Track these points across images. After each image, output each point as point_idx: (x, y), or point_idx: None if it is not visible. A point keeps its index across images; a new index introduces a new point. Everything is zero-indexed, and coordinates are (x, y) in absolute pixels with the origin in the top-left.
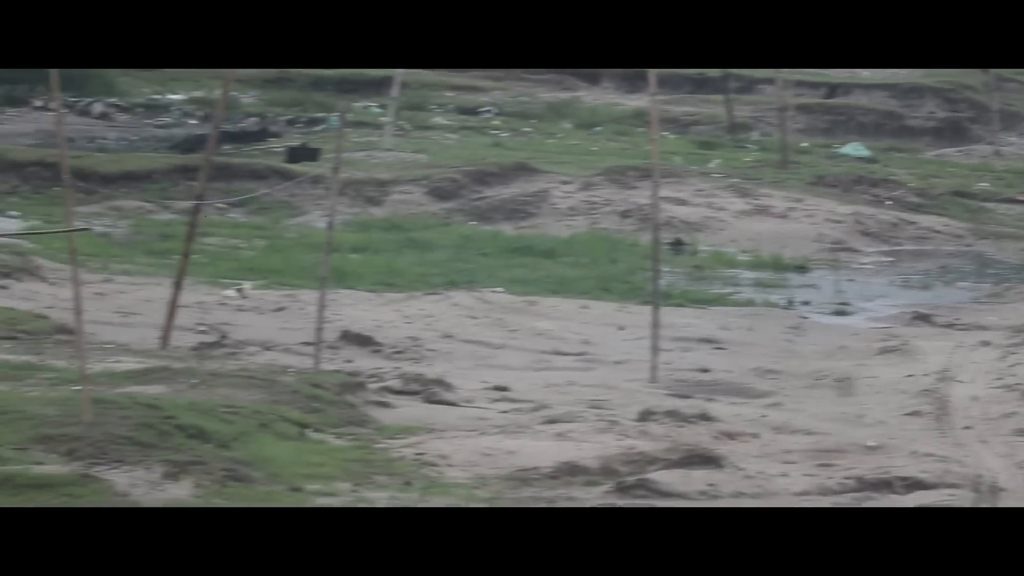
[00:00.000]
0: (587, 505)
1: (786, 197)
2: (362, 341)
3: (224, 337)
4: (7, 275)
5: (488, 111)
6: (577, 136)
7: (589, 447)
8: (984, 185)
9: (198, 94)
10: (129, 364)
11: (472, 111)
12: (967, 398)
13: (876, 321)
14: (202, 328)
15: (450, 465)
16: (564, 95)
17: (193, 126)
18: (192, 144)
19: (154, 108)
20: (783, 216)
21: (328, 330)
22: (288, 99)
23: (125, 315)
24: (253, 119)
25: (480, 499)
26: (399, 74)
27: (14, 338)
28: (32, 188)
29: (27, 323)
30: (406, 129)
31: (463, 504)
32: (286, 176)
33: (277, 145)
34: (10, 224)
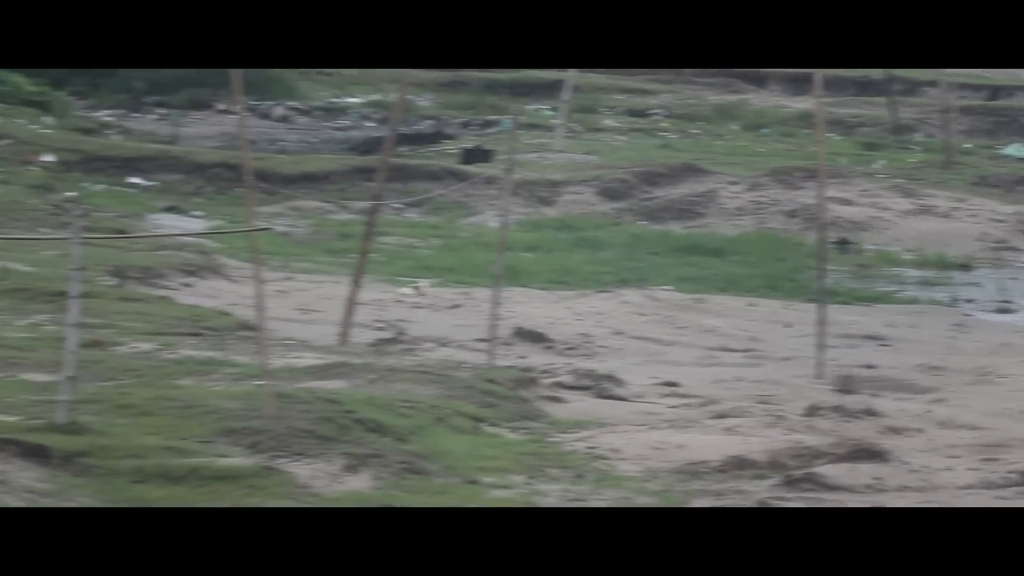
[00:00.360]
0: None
1: (949, 197)
2: (535, 338)
3: (401, 334)
4: (192, 273)
5: (657, 113)
6: (744, 138)
7: (757, 441)
8: None
9: (376, 97)
10: (309, 360)
11: (642, 113)
12: None
13: None
14: (380, 325)
15: (621, 459)
16: (732, 98)
17: (371, 128)
18: (370, 146)
19: (333, 111)
20: (947, 216)
21: (502, 327)
22: (463, 102)
23: (305, 312)
24: (429, 122)
25: (650, 492)
26: (571, 77)
27: (199, 334)
28: (216, 189)
29: (211, 320)
30: (577, 131)
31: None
32: (460, 177)
33: (452, 147)
34: (195, 224)
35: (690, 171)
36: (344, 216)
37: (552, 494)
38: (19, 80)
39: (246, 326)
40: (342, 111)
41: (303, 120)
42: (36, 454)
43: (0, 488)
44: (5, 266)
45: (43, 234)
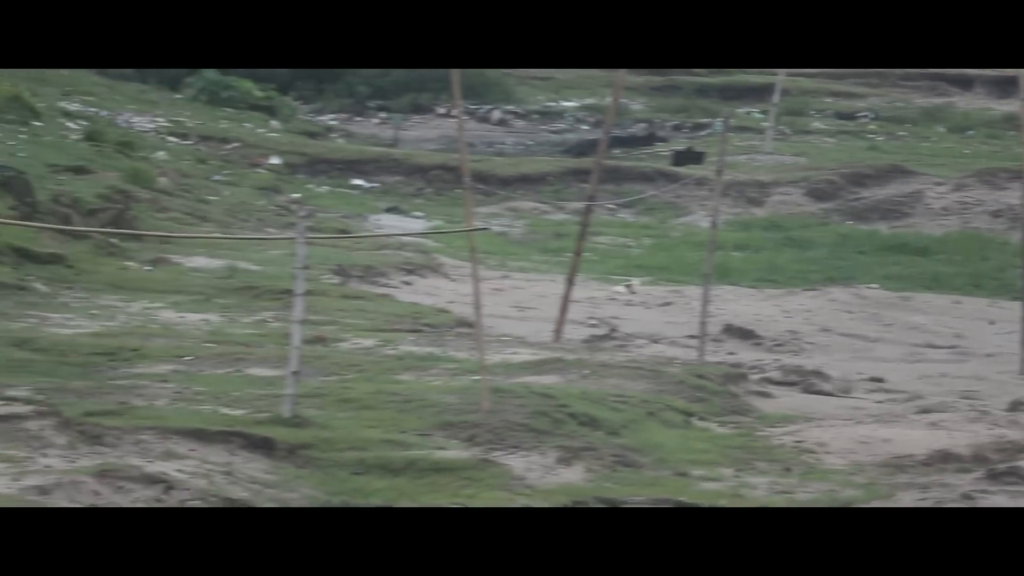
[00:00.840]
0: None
1: None
2: (744, 334)
3: (614, 330)
4: (412, 272)
5: (865, 116)
6: (950, 140)
7: (961, 436)
8: None
9: (590, 101)
10: (525, 356)
11: (850, 116)
12: None
13: None
14: (593, 322)
15: (828, 452)
16: (938, 100)
17: (585, 131)
18: (584, 148)
19: (548, 114)
20: None
21: (712, 324)
22: (674, 105)
23: (521, 309)
24: (641, 124)
25: (856, 485)
26: (780, 81)
27: (418, 331)
28: (435, 190)
29: (430, 317)
30: (786, 133)
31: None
32: (672, 178)
33: (664, 149)
34: (415, 224)
35: (897, 172)
36: (559, 216)
37: (760, 487)
38: (247, 85)
39: (464, 323)
40: (558, 115)
41: (520, 123)
42: (261, 446)
43: (226, 479)
44: (233, 265)
45: (269, 234)
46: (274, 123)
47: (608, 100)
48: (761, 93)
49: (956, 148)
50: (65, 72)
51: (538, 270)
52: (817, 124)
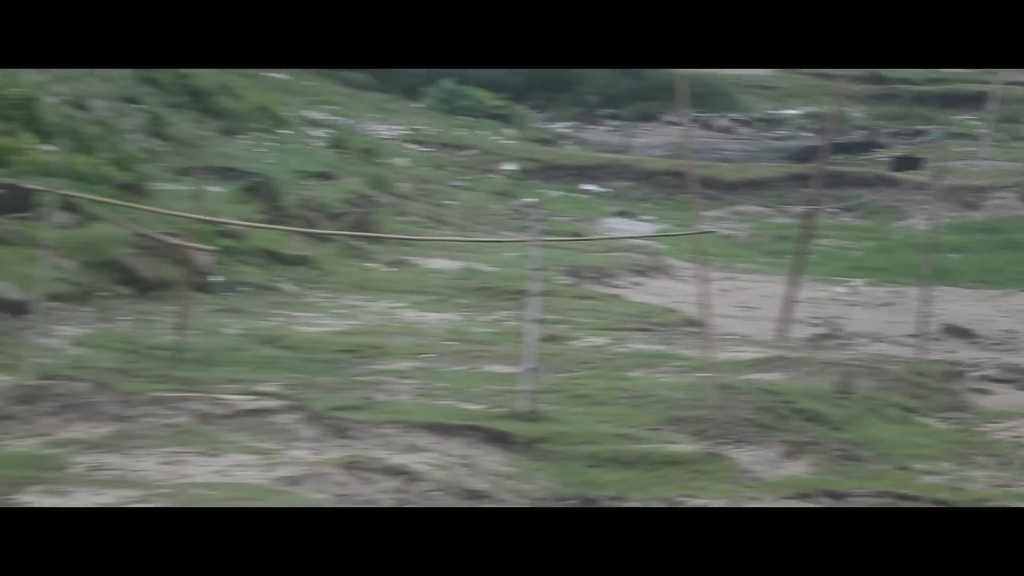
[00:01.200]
0: None
1: None
2: (962, 333)
3: (836, 330)
4: (641, 273)
5: None
6: None
7: None
8: None
9: (812, 109)
10: (750, 353)
11: None
12: None
13: None
14: (815, 321)
15: None
16: None
17: (807, 138)
18: (806, 155)
19: (771, 122)
20: None
21: (930, 323)
22: (893, 113)
23: (746, 309)
24: (861, 132)
25: None
26: (996, 89)
27: (647, 330)
28: (663, 195)
29: (659, 316)
30: (1003, 140)
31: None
32: (891, 183)
33: (883, 155)
34: (643, 227)
35: None
36: (782, 220)
37: (979, 480)
38: (483, 95)
39: (691, 322)
40: (780, 122)
41: (744, 130)
42: (499, 440)
43: (466, 471)
44: (470, 266)
45: (505, 237)
46: (508, 131)
47: (829, 108)
48: (977, 101)
49: None
50: (311, 82)
51: (762, 271)
52: None
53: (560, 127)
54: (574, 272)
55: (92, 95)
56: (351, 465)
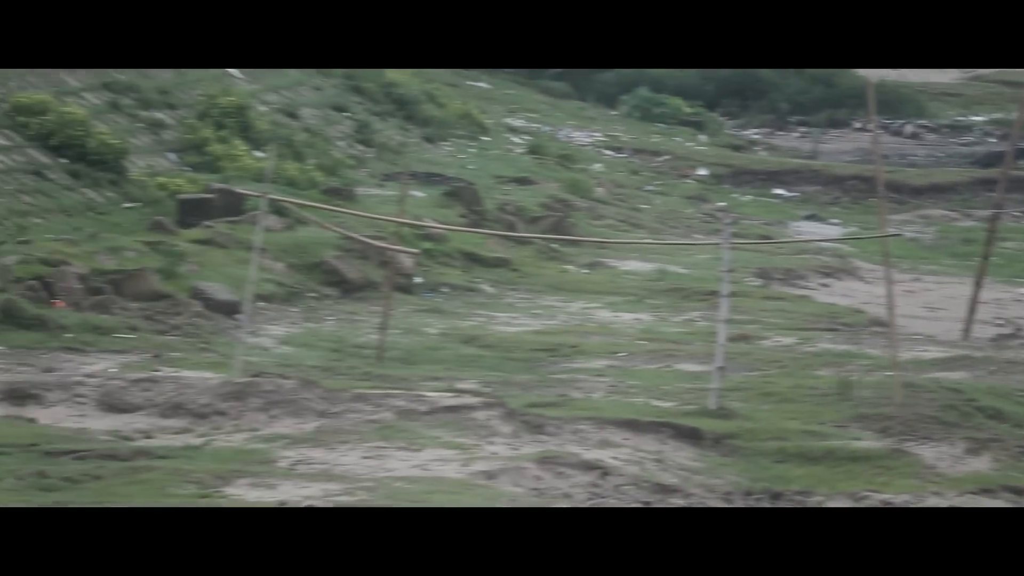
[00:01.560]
0: None
1: None
2: None
3: (1020, 330)
4: (829, 275)
5: None
6: None
7: None
8: None
9: (998, 115)
10: (934, 353)
11: None
12: None
13: None
14: (999, 322)
15: None
16: None
17: (992, 144)
18: (991, 160)
19: (958, 128)
20: None
21: None
22: None
23: (931, 310)
24: None
25: None
26: None
27: (835, 329)
28: (851, 199)
29: (846, 316)
30: None
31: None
32: None
33: None
34: (832, 230)
35: None
36: (967, 223)
37: None
38: (678, 102)
39: (877, 322)
40: (966, 128)
41: (931, 137)
42: (690, 436)
43: (657, 466)
44: (663, 268)
45: (697, 240)
46: (701, 137)
47: (1015, 115)
48: None
49: None
50: (511, 91)
51: (947, 273)
52: None
53: (752, 133)
54: (764, 274)
55: (301, 104)
56: (546, 460)
